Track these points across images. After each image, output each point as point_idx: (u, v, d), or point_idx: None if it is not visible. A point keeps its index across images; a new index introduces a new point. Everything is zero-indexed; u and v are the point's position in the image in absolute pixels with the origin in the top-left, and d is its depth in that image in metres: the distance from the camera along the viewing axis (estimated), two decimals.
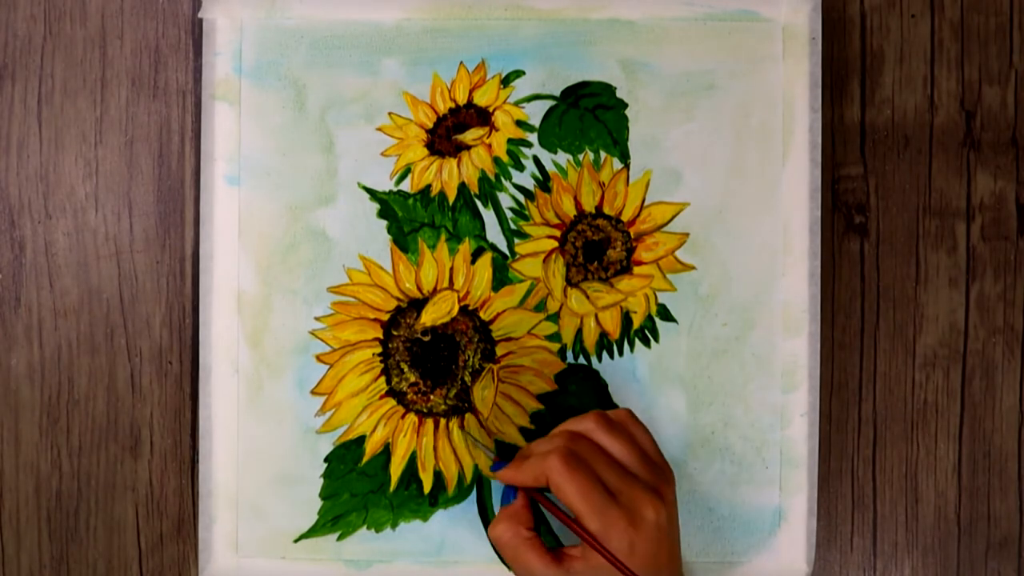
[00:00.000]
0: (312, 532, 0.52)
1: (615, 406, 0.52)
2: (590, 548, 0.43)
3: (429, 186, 0.52)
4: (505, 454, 0.50)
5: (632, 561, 0.42)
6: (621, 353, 0.52)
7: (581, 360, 0.52)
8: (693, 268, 0.52)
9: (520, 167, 0.52)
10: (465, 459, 0.52)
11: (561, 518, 0.44)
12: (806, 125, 0.52)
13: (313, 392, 0.52)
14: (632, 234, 0.52)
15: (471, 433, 0.51)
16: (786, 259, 0.52)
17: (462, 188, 0.52)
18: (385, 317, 0.52)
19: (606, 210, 0.52)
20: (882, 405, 0.53)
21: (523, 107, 0.52)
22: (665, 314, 0.52)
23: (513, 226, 0.52)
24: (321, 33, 0.52)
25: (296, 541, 0.52)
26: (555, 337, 0.52)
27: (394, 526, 0.52)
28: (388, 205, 0.52)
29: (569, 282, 0.52)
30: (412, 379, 0.52)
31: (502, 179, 0.52)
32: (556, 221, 0.52)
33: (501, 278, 0.52)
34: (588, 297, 0.52)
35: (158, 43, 0.53)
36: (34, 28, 0.53)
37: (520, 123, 0.52)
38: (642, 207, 0.52)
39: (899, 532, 0.53)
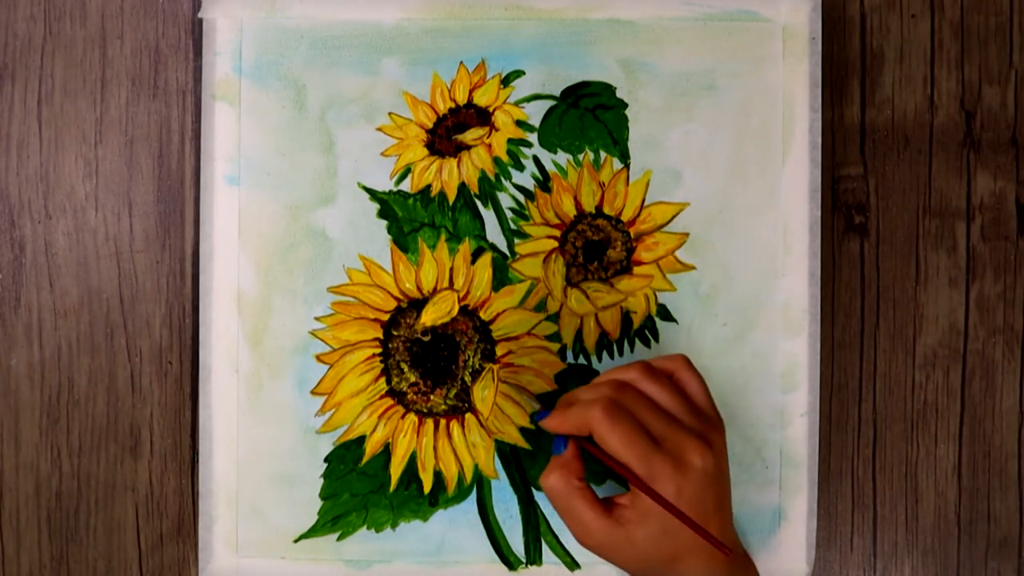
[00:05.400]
0: (312, 532, 0.52)
1: None
2: (638, 495, 0.43)
3: (429, 186, 0.52)
4: (546, 403, 0.51)
5: (679, 506, 0.42)
6: (621, 353, 0.52)
7: (581, 360, 0.52)
8: (693, 268, 0.52)
9: (520, 167, 0.52)
10: (465, 459, 0.52)
11: (609, 463, 0.44)
12: (806, 125, 0.52)
13: (313, 392, 0.52)
14: (632, 234, 0.52)
15: (513, 382, 0.51)
16: (786, 259, 0.52)
17: (462, 188, 0.52)
18: (385, 317, 0.52)
19: (606, 210, 0.52)
20: (882, 405, 0.53)
21: (523, 107, 0.52)
22: (665, 314, 0.52)
23: (513, 226, 0.52)
24: (321, 33, 0.52)
25: (296, 541, 0.52)
26: (555, 337, 0.52)
27: (394, 526, 0.52)
28: (388, 205, 0.52)
29: (569, 282, 0.52)
30: (412, 379, 0.52)
31: (502, 179, 0.52)
32: (556, 221, 0.52)
33: (501, 278, 0.52)
34: (588, 297, 0.52)
35: (158, 43, 0.53)
36: (34, 28, 0.53)
37: (520, 123, 0.52)
38: (642, 207, 0.52)
39: (899, 532, 0.53)
